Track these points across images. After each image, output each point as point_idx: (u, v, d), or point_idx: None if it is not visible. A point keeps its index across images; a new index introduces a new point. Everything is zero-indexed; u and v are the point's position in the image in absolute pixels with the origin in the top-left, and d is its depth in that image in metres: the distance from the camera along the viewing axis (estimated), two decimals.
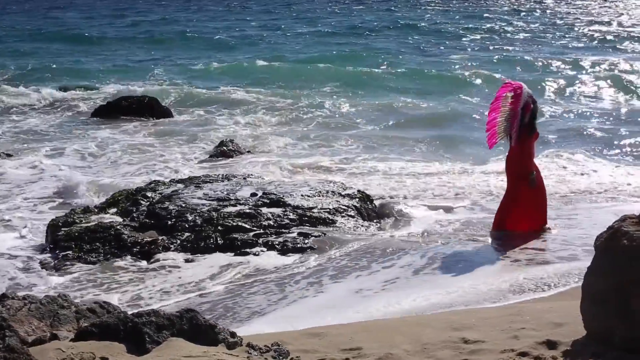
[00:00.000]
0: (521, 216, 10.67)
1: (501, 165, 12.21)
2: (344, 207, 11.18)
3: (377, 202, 11.75)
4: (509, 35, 39.15)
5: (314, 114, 20.58)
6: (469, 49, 34.18)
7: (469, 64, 28.92)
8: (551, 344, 5.42)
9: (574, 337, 5.41)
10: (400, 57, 31.32)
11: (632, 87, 24.08)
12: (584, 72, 27.15)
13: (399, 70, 27.73)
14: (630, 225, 5.29)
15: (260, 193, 11.42)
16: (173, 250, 9.80)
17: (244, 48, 34.92)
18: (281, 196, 11.32)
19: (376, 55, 31.24)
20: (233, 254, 9.67)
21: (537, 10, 53.39)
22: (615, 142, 17.26)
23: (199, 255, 9.66)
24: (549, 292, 8.15)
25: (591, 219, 11.27)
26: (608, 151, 16.53)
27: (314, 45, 35.41)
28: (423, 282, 8.52)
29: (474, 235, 10.57)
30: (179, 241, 10.00)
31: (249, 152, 16.05)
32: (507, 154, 10.84)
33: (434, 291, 8.18)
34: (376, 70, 27.78)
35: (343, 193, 11.67)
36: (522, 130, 10.40)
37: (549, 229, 10.77)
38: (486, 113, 11.56)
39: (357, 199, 11.49)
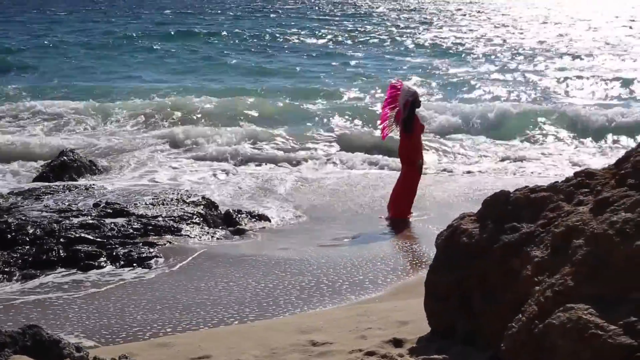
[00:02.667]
0: (409, 203, 11.66)
1: None
2: (189, 214, 10.93)
3: (222, 209, 11.60)
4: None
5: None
6: None
7: None
8: (397, 342, 5.42)
9: (419, 334, 5.43)
10: None
11: None
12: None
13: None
14: (468, 223, 5.37)
15: (103, 203, 11.02)
16: (13, 265, 9.25)
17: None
18: (124, 205, 10.94)
19: None
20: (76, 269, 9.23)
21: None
22: None
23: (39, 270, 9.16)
24: (387, 290, 8.25)
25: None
26: None
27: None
28: (268, 289, 8.42)
29: (317, 237, 10.62)
30: (19, 255, 9.45)
31: (90, 161, 15.45)
32: (400, 144, 11.79)
33: (280, 295, 8.13)
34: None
35: (187, 200, 11.42)
36: (403, 123, 11.46)
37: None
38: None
39: (202, 206, 11.27)
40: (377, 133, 17.90)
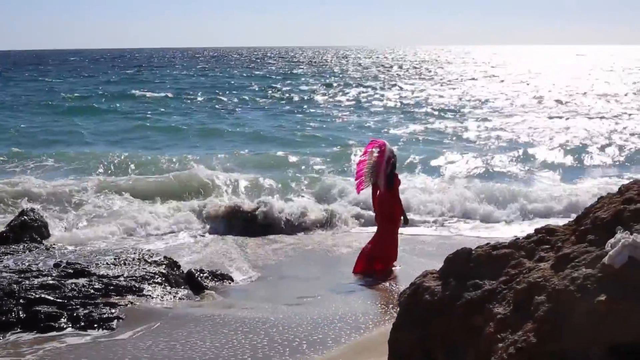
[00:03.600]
0: (390, 254, 12.04)
1: None
2: (151, 274, 10.74)
3: (184, 268, 11.44)
4: None
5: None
6: None
7: None
8: None
9: None
10: None
11: None
12: None
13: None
14: (431, 280, 5.35)
15: (64, 263, 10.81)
16: None
17: None
18: (86, 266, 10.73)
19: None
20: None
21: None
22: None
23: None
24: (350, 348, 8.13)
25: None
26: None
27: None
28: (229, 349, 8.28)
29: (280, 297, 10.51)
30: None
31: (49, 223, 15.17)
32: (377, 200, 12.21)
33: (242, 355, 7.99)
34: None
35: (149, 260, 11.24)
36: (386, 179, 11.91)
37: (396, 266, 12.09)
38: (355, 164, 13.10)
39: (164, 266, 11.09)
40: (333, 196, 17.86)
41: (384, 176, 11.94)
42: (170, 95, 48.39)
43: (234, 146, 27.47)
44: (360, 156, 12.58)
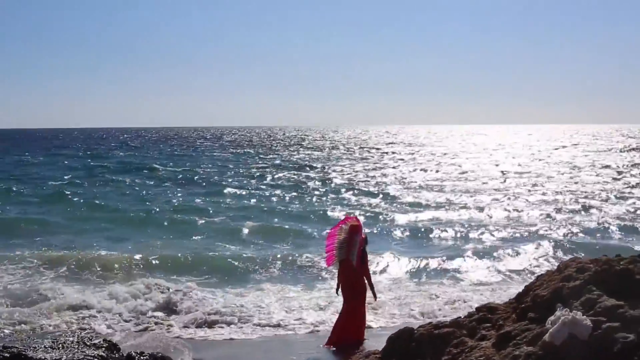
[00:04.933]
0: (358, 327, 12.08)
1: None
2: (89, 357, 10.40)
3: (124, 352, 11.11)
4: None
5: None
6: None
7: None
8: None
9: None
10: None
11: None
12: None
13: None
14: None
15: (0, 347, 10.42)
16: None
17: None
18: (23, 349, 10.36)
19: None
20: None
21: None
22: None
23: None
24: None
25: None
26: None
27: None
28: None
29: None
30: None
31: None
32: (345, 274, 12.23)
33: None
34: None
35: (88, 343, 10.90)
36: (360, 255, 12.15)
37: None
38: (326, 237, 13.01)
39: (104, 349, 10.75)
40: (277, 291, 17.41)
41: (359, 251, 12.15)
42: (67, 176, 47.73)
43: (150, 236, 25.53)
44: (331, 229, 12.75)
